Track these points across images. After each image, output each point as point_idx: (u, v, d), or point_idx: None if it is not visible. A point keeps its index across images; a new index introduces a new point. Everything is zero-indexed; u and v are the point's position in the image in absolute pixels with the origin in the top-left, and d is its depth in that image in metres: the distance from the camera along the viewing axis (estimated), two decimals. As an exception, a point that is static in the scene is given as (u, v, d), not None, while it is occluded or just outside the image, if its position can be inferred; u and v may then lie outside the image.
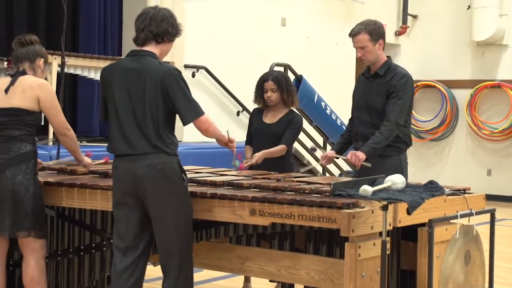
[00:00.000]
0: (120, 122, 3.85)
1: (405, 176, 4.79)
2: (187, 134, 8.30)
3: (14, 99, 4.18)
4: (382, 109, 4.69)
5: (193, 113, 3.84)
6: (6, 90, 4.20)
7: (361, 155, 4.54)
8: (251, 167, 5.12)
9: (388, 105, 4.67)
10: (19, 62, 4.33)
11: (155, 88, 3.79)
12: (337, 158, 4.89)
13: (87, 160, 4.57)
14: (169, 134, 3.87)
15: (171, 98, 3.80)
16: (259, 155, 5.09)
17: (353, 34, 4.77)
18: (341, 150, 4.98)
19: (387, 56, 4.84)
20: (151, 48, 3.92)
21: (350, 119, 5.08)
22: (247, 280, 5.48)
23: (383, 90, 4.71)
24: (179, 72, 3.88)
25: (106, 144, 4.06)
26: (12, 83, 4.21)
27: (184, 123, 3.87)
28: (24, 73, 4.27)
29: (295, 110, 5.42)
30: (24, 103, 4.18)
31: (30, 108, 4.19)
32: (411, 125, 5.32)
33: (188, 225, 3.89)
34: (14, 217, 4.13)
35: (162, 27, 3.90)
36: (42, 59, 4.36)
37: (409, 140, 4.89)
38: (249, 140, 5.40)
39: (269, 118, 5.30)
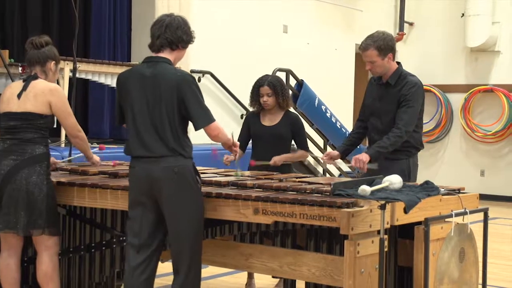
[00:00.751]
0: (137, 126, 3.84)
1: (413, 178, 4.77)
2: (193, 137, 8.30)
3: (27, 104, 4.18)
4: (394, 117, 4.63)
5: (205, 119, 3.84)
6: (19, 95, 4.19)
7: (365, 158, 4.48)
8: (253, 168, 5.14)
9: (399, 113, 4.60)
10: (31, 66, 4.32)
11: (170, 93, 3.78)
12: (342, 159, 4.87)
13: (96, 158, 4.61)
14: (185, 138, 3.87)
15: (185, 104, 3.79)
16: (278, 158, 5.08)
17: (362, 48, 4.65)
18: (345, 151, 4.94)
19: (397, 63, 4.73)
20: (166, 54, 3.90)
21: (357, 120, 5.02)
22: (250, 276, 5.47)
23: (395, 99, 4.64)
24: (194, 79, 3.87)
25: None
26: (24, 88, 4.20)
27: (196, 128, 3.86)
28: (36, 77, 4.26)
29: (290, 109, 5.40)
30: (36, 108, 4.18)
31: (42, 112, 4.19)
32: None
33: (200, 226, 3.89)
34: (29, 216, 4.13)
35: (177, 35, 3.88)
36: (52, 62, 4.33)
37: (420, 144, 4.83)
38: (242, 144, 5.24)
39: (268, 121, 5.28)
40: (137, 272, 3.88)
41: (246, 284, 5.48)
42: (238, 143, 4.27)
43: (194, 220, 3.84)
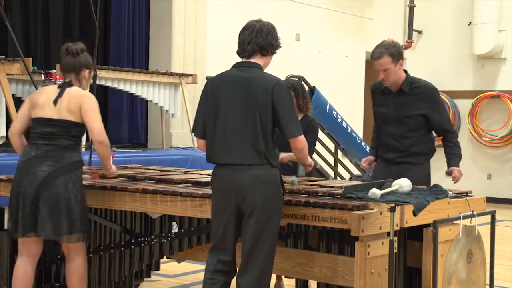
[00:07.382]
0: (227, 132, 3.62)
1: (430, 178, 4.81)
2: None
3: (63, 111, 4.11)
4: (416, 123, 4.64)
5: (294, 130, 3.63)
6: (55, 102, 4.13)
7: (461, 172, 4.72)
8: None
9: (436, 119, 4.65)
10: (66, 73, 4.25)
11: (265, 97, 3.59)
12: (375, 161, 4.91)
13: (114, 169, 4.47)
14: (274, 146, 3.66)
15: (277, 110, 3.59)
16: (285, 156, 5.07)
17: (375, 57, 4.57)
18: (377, 154, 4.93)
19: (404, 70, 4.69)
20: (256, 60, 3.74)
21: (375, 128, 4.96)
22: (279, 278, 5.37)
23: (414, 105, 4.62)
24: (288, 88, 3.74)
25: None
26: (60, 95, 4.14)
27: (284, 138, 3.68)
28: (70, 84, 4.20)
29: (309, 114, 5.36)
30: (71, 116, 4.11)
31: (77, 120, 4.13)
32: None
33: (276, 236, 3.69)
34: (68, 222, 4.04)
35: (268, 40, 3.76)
36: (87, 70, 4.28)
37: (433, 143, 4.86)
38: None
39: None
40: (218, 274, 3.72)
41: (275, 286, 5.39)
42: (312, 162, 4.16)
43: (274, 229, 3.63)
